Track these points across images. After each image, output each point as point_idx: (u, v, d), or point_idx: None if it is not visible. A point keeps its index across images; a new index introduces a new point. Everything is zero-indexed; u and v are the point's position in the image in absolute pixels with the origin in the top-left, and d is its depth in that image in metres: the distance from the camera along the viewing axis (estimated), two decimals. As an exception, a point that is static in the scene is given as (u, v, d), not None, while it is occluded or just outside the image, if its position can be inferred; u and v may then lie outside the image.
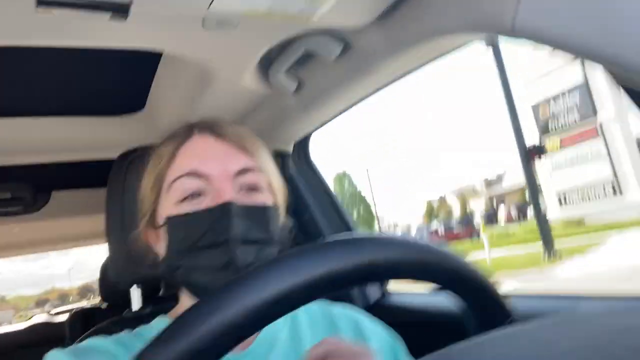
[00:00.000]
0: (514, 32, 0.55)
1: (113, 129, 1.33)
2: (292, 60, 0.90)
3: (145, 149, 0.88)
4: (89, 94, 1.23)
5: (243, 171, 0.58)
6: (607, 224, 12.20)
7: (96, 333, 0.90)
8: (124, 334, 0.62)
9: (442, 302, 1.12)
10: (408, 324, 1.02)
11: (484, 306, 0.40)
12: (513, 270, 9.40)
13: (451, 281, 0.38)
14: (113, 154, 1.42)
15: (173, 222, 0.56)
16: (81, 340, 0.88)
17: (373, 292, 1.23)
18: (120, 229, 0.83)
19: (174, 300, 1.29)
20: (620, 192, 13.38)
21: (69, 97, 1.23)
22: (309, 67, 0.95)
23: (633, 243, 8.97)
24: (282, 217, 0.63)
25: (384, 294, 1.24)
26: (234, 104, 1.06)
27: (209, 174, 0.56)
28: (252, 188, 0.59)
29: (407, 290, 1.28)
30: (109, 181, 0.87)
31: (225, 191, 0.55)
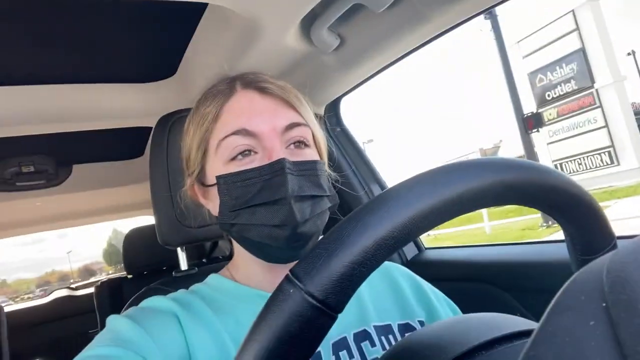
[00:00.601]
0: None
1: (142, 96, 1.32)
2: (337, 15, 0.89)
3: (184, 112, 0.88)
4: (116, 60, 1.22)
5: (290, 126, 0.58)
6: (604, 192, 12.31)
7: (147, 293, 0.92)
8: (180, 293, 0.63)
9: (478, 256, 1.14)
10: (446, 279, 1.04)
11: (592, 230, 0.41)
12: (511, 238, 9.52)
13: (567, 205, 0.39)
14: (142, 122, 1.43)
15: (224, 182, 0.56)
16: (132, 304, 0.90)
17: (408, 248, 1.25)
18: (166, 193, 0.83)
19: (217, 262, 1.31)
20: (617, 160, 13.48)
21: (94, 63, 1.21)
22: (353, 23, 0.94)
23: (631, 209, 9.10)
24: (327, 170, 0.64)
25: (420, 250, 1.26)
26: (272, 64, 1.05)
27: (257, 131, 0.56)
28: (300, 143, 0.59)
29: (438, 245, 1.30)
30: (152, 146, 0.87)
31: (275, 148, 0.56)
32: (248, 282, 0.62)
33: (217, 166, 0.58)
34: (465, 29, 0.95)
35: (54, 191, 1.84)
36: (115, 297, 1.85)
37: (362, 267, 0.31)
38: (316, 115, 0.66)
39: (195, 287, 0.65)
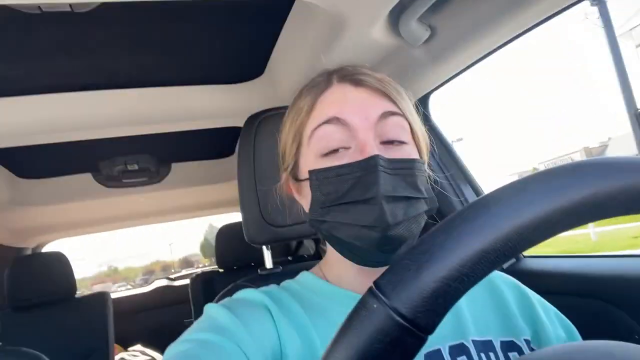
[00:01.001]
0: None
1: (232, 96, 1.36)
2: (428, 4, 0.84)
3: (271, 111, 0.88)
4: (206, 62, 1.26)
5: (385, 115, 0.55)
6: None
7: (234, 289, 0.93)
8: (272, 287, 0.63)
9: (589, 268, 1.02)
10: (549, 292, 0.94)
11: None
12: (620, 247, 8.62)
13: None
14: (232, 122, 1.48)
15: (316, 177, 0.55)
16: (220, 299, 0.92)
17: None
18: (253, 191, 0.84)
19: (302, 261, 1.31)
20: None
21: (186, 66, 1.27)
22: (445, 11, 0.88)
23: None
24: (426, 169, 0.59)
25: (517, 258, 1.15)
26: (359, 60, 1.01)
27: (350, 121, 0.54)
28: (396, 138, 0.55)
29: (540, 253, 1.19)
30: (240, 145, 0.88)
31: (368, 142, 0.53)
32: (340, 282, 0.61)
33: (310, 159, 0.57)
34: (568, 15, 0.85)
35: (155, 188, 1.98)
36: (207, 289, 1.94)
37: (458, 283, 0.26)
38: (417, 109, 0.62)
39: (286, 283, 0.65)
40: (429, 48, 0.98)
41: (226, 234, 1.97)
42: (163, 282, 2.92)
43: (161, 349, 2.55)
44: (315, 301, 0.59)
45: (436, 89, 1.19)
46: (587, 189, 0.27)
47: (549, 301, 0.65)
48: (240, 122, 0.92)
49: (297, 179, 0.61)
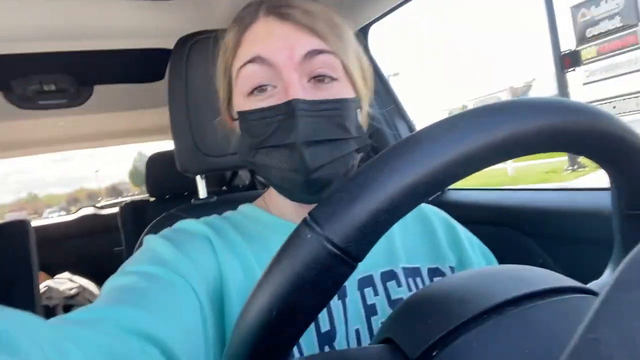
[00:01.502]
0: None
1: (160, 14, 1.25)
2: None
3: (204, 33, 0.82)
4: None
5: (310, 54, 0.52)
6: None
7: (167, 219, 0.92)
8: (213, 218, 0.62)
9: (505, 200, 1.11)
10: (469, 221, 1.01)
11: None
12: (533, 181, 9.40)
13: (626, 155, 0.35)
14: (161, 43, 1.38)
15: (244, 118, 0.54)
16: (152, 229, 0.90)
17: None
18: (185, 119, 0.81)
19: (236, 191, 1.30)
20: (657, 105, 12.82)
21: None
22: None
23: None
24: (364, 108, 0.58)
25: (442, 190, 1.23)
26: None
27: (274, 60, 0.52)
28: (324, 75, 0.53)
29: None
30: (170, 69, 0.83)
31: (291, 83, 0.51)
32: (281, 214, 0.61)
33: (239, 99, 0.55)
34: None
35: (77, 111, 1.84)
36: (138, 218, 1.89)
37: (388, 214, 0.28)
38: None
39: (228, 214, 0.65)
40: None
41: (157, 162, 1.91)
42: (90, 210, 2.81)
43: (90, 277, 2.52)
44: (257, 231, 0.59)
45: (378, 19, 1.17)
46: (508, 128, 0.29)
47: (469, 230, 0.70)
48: (170, 44, 0.86)
49: (232, 117, 0.59)
